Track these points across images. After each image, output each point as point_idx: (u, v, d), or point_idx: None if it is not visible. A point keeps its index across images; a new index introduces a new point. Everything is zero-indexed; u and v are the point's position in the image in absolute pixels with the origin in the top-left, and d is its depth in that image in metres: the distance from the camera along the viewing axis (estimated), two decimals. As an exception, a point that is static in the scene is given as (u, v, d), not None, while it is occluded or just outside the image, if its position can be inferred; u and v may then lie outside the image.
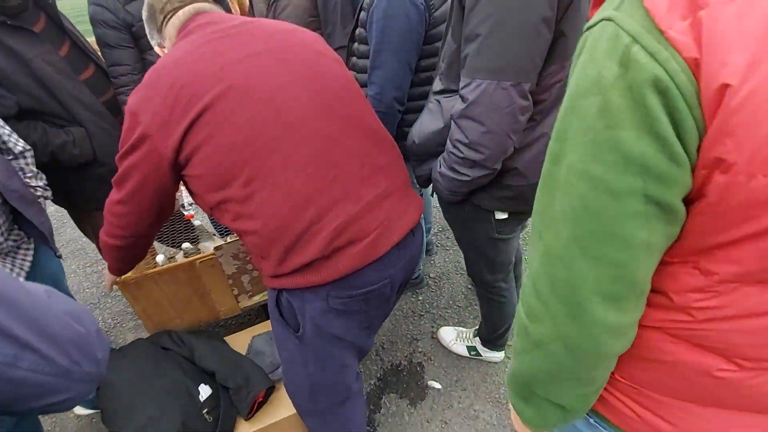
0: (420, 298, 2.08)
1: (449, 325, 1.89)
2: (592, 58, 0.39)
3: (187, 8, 0.96)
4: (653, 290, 0.46)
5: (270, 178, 0.84)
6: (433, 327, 1.91)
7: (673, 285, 0.45)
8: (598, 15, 0.40)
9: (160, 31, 0.99)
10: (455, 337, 1.78)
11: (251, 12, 1.90)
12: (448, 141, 0.99)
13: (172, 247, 1.88)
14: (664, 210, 0.39)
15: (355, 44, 1.48)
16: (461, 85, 0.89)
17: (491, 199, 1.08)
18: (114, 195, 0.93)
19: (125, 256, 1.08)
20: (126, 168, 0.88)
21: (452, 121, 0.94)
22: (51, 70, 1.37)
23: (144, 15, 1.01)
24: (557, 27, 0.82)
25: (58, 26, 1.47)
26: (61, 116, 1.44)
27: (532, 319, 0.50)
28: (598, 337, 0.45)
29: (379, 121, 1.04)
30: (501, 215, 1.12)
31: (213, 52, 0.86)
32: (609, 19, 0.38)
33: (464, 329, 1.80)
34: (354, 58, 1.51)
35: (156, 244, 1.61)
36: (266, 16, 1.74)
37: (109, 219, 0.98)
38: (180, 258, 1.50)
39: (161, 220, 1.01)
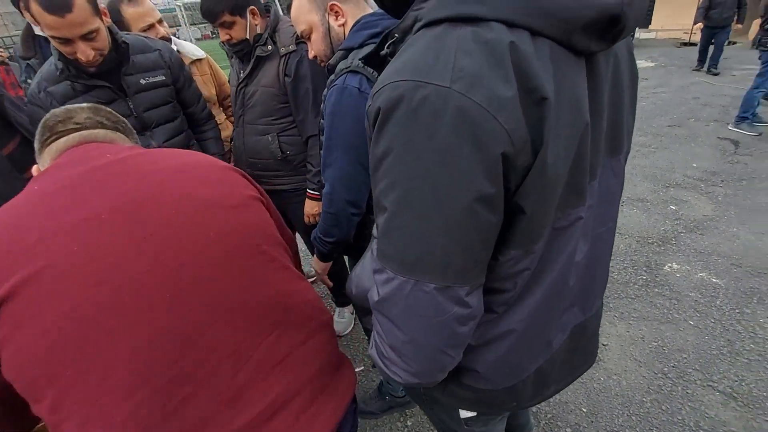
0: (408, 423, 1.71)
1: (439, 470, 1.50)
2: None
3: (75, 135, 0.77)
4: None
5: (80, 407, 0.58)
6: (418, 470, 1.53)
7: None
8: None
9: (39, 152, 0.79)
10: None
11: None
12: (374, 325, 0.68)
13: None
14: None
15: (322, 136, 1.26)
16: (373, 266, 0.59)
17: (449, 396, 0.75)
18: None
19: None
20: None
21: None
22: None
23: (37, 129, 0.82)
24: (512, 202, 0.51)
25: (7, 123, 1.38)
26: None
27: None
28: None
29: (293, 287, 0.76)
30: (467, 414, 0.79)
31: (44, 214, 0.63)
32: None
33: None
34: (322, 151, 1.29)
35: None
36: (235, 102, 1.57)
37: None
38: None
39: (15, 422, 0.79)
